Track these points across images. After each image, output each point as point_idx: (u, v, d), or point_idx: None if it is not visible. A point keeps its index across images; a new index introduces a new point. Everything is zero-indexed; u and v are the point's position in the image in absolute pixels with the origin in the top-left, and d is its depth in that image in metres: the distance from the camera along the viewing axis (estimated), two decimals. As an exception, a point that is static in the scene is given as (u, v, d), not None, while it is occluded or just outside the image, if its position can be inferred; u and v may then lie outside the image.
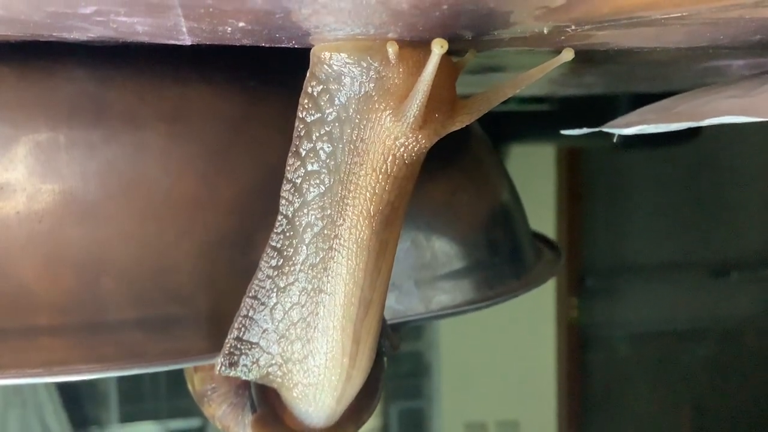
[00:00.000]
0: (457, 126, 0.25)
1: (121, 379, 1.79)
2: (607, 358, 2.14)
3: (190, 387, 0.33)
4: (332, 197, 0.25)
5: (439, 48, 0.21)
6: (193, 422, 1.81)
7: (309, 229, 0.26)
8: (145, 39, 0.24)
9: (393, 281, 0.28)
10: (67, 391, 1.75)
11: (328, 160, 0.25)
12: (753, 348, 2.14)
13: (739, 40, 0.27)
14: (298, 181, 0.26)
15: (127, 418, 1.88)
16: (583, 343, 2.06)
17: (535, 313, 1.94)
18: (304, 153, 0.25)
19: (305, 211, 0.26)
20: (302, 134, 0.25)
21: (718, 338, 2.14)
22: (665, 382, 2.14)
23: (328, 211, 0.26)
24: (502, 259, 0.39)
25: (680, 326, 2.13)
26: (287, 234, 0.27)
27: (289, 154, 0.26)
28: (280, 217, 0.27)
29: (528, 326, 1.92)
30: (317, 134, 0.25)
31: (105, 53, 0.29)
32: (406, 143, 0.24)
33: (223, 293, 0.29)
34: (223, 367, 0.28)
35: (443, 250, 0.36)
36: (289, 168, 0.26)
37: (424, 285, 0.35)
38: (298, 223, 0.26)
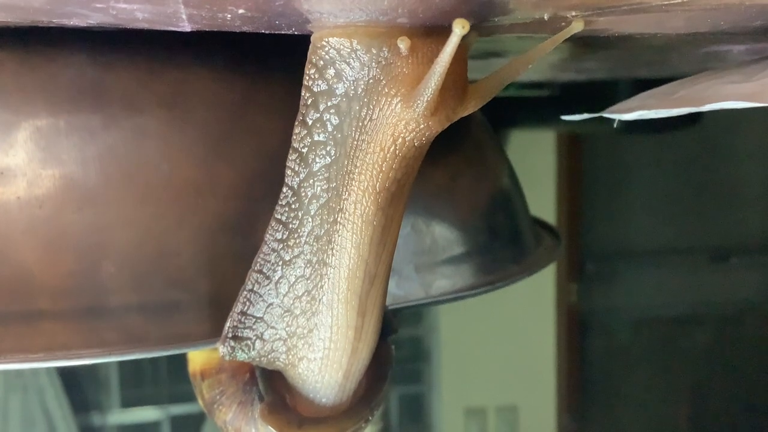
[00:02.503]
0: (469, 110, 0.25)
1: (122, 363, 1.80)
2: (606, 344, 2.15)
3: (200, 400, 0.33)
4: (338, 170, 0.25)
5: (460, 28, 0.21)
6: (194, 407, 1.82)
7: (314, 201, 0.26)
8: (145, 26, 0.24)
9: (393, 266, 0.28)
10: (68, 376, 1.76)
11: (335, 132, 0.25)
12: (752, 333, 2.15)
13: (740, 26, 0.27)
14: (305, 150, 0.26)
15: (128, 402, 1.89)
16: (583, 329, 2.07)
17: (534, 299, 1.95)
18: (310, 122, 0.25)
19: (311, 182, 0.26)
20: (309, 103, 0.25)
21: (718, 323, 2.14)
22: (664, 367, 2.14)
23: (334, 183, 0.25)
24: (501, 244, 0.39)
25: (679, 311, 2.13)
26: (292, 206, 0.26)
27: (296, 123, 0.25)
28: (285, 189, 0.26)
29: (527, 311, 1.93)
30: (324, 105, 0.25)
31: (105, 38, 0.29)
32: (417, 129, 0.24)
33: (223, 278, 0.29)
34: (227, 342, 0.28)
35: (443, 236, 0.36)
36: (295, 137, 0.26)
37: (424, 270, 0.35)
38: (303, 195, 0.26)
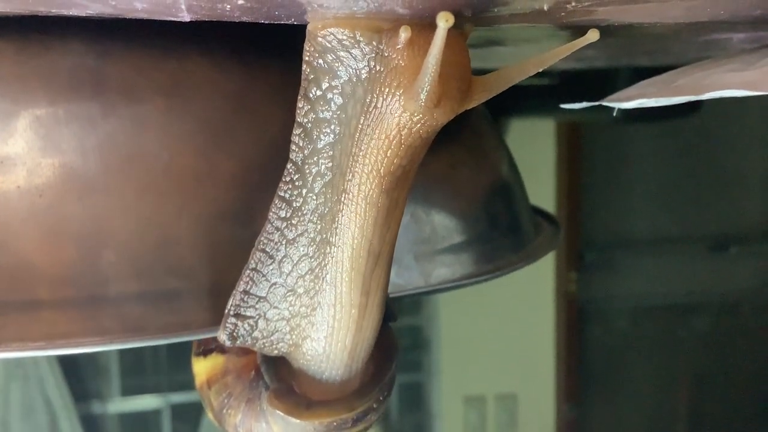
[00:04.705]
0: (474, 103, 0.25)
1: (122, 352, 1.80)
2: (605, 332, 2.15)
3: (209, 413, 0.33)
4: (342, 150, 0.25)
5: (444, 22, 0.21)
6: (195, 395, 1.82)
7: (319, 179, 0.26)
8: (144, 16, 0.24)
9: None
10: (68, 364, 1.76)
11: (339, 112, 0.25)
12: (751, 322, 2.15)
13: (739, 15, 0.27)
14: (309, 126, 0.25)
15: (128, 391, 1.89)
16: (582, 317, 2.07)
17: (533, 287, 1.95)
18: (313, 97, 0.25)
19: (315, 159, 0.26)
20: (310, 78, 0.25)
21: (717, 312, 2.14)
22: (663, 356, 2.15)
23: (338, 162, 0.25)
24: (501, 233, 0.39)
25: (679, 300, 2.14)
26: (296, 183, 0.26)
27: (299, 98, 0.25)
28: (289, 165, 0.26)
29: (527, 300, 1.93)
30: (327, 84, 0.25)
31: (104, 26, 0.29)
32: (422, 120, 0.24)
33: (224, 266, 0.29)
34: (229, 321, 0.28)
35: (443, 224, 0.36)
36: (299, 111, 0.25)
37: (424, 259, 0.35)
38: (307, 171, 0.26)
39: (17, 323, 0.28)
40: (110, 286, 0.28)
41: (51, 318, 0.28)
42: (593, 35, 0.23)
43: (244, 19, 0.24)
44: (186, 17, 0.24)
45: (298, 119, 0.26)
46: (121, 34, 0.30)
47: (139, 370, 1.90)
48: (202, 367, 0.33)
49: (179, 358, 1.80)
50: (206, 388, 0.33)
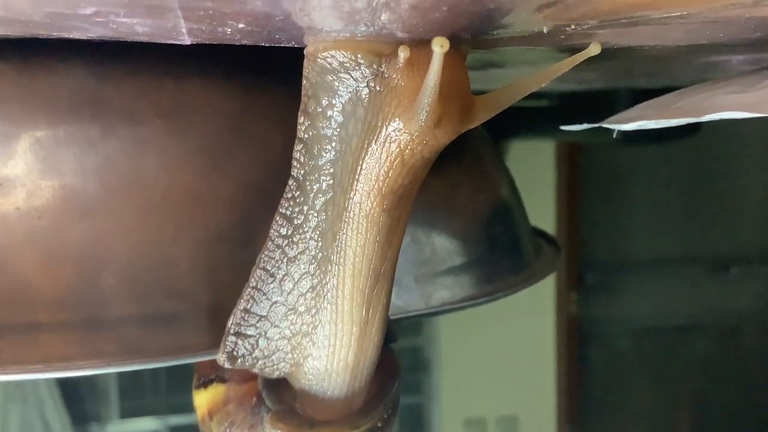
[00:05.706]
0: (476, 123, 0.25)
1: (121, 374, 1.79)
2: (606, 353, 2.14)
3: None
4: (344, 167, 0.25)
5: (439, 47, 0.21)
6: (193, 418, 1.81)
7: (320, 195, 0.26)
8: (145, 39, 0.24)
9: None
10: (67, 387, 1.75)
11: (339, 130, 0.25)
12: (752, 343, 2.14)
13: (739, 38, 0.27)
14: (310, 142, 0.25)
15: (127, 413, 1.88)
16: (583, 339, 2.06)
17: (534, 309, 1.94)
18: (313, 113, 0.25)
19: (316, 175, 0.26)
20: (310, 94, 0.25)
21: (718, 333, 2.14)
22: (664, 377, 2.14)
23: (339, 179, 0.25)
24: (501, 254, 0.39)
25: (679, 321, 2.13)
26: (297, 200, 0.26)
27: (299, 113, 0.25)
28: (290, 181, 0.26)
29: (527, 321, 1.92)
30: (326, 102, 0.25)
31: (104, 49, 0.29)
32: (423, 140, 0.24)
33: (223, 288, 0.29)
34: (229, 339, 0.28)
35: (443, 246, 0.36)
36: (300, 127, 0.25)
37: (424, 281, 0.35)
38: (309, 188, 0.26)
39: (16, 345, 0.28)
40: (109, 308, 0.28)
41: (50, 340, 0.28)
42: (595, 48, 0.23)
43: (245, 42, 0.24)
44: (187, 40, 0.24)
45: (299, 135, 0.26)
46: (121, 57, 0.30)
47: (138, 393, 1.89)
48: (202, 399, 0.33)
49: (178, 380, 1.79)
50: (208, 420, 0.32)
